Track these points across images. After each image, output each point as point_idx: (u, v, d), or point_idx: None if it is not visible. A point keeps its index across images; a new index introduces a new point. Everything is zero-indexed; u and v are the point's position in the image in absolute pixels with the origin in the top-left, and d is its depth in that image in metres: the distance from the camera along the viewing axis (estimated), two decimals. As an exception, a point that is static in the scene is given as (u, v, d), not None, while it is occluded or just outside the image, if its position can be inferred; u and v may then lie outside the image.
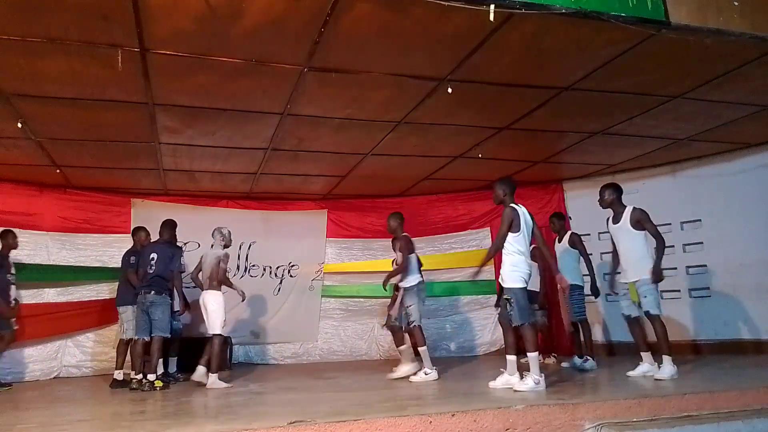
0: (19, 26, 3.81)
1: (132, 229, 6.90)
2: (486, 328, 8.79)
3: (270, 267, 8.70)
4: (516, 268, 4.76)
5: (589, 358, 6.24)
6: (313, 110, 5.45)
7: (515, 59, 4.54)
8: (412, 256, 6.01)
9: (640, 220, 5.23)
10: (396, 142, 6.42)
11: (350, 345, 8.80)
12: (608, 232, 5.58)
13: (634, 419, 3.67)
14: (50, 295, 7.46)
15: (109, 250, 7.58)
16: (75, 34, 3.91)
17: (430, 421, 3.35)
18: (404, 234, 6.05)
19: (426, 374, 5.61)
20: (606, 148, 7.00)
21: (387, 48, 4.26)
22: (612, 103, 5.54)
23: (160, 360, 6.11)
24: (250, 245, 8.61)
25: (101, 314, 7.36)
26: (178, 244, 6.78)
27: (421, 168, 7.63)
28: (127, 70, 4.29)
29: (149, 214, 7.17)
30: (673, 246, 7.66)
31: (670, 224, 7.69)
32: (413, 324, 5.82)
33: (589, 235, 8.32)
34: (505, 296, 4.78)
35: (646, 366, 5.22)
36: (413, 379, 5.61)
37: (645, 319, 5.28)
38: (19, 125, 5.36)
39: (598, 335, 8.15)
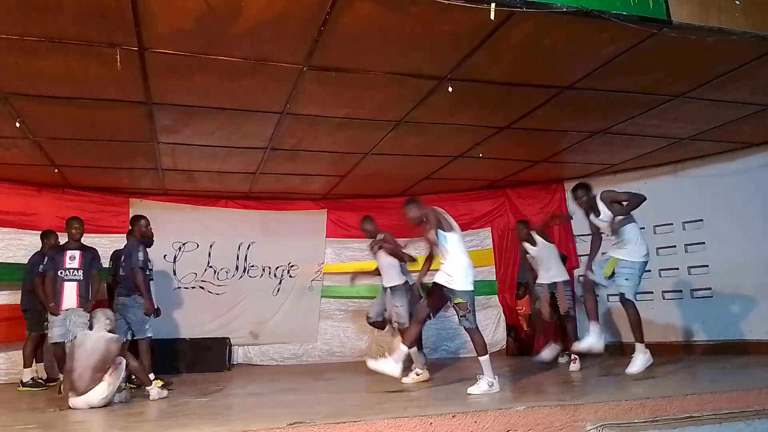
0: (17, 25, 3.78)
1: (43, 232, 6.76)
2: (487, 328, 8.74)
3: (269, 267, 8.67)
4: (469, 271, 4.71)
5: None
6: (313, 109, 5.42)
7: (516, 58, 4.52)
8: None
9: (613, 198, 5.21)
10: (396, 142, 6.40)
11: (350, 346, 8.78)
12: (592, 224, 5.51)
13: (636, 420, 3.65)
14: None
15: (107, 250, 7.54)
16: (73, 34, 3.89)
17: (431, 422, 3.33)
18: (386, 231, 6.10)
19: (417, 375, 5.49)
20: (607, 148, 6.98)
21: (387, 47, 4.24)
22: (613, 103, 5.52)
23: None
24: (249, 245, 8.59)
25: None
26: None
27: (421, 168, 7.61)
28: (126, 70, 4.26)
29: (148, 214, 7.10)
30: (675, 246, 7.67)
31: (671, 224, 7.69)
32: (402, 325, 5.81)
33: (590, 235, 8.30)
34: (459, 300, 4.60)
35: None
36: (404, 380, 5.42)
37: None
38: (17, 125, 5.34)
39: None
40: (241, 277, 8.55)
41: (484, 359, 4.58)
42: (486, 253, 8.91)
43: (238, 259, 8.54)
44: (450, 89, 4.86)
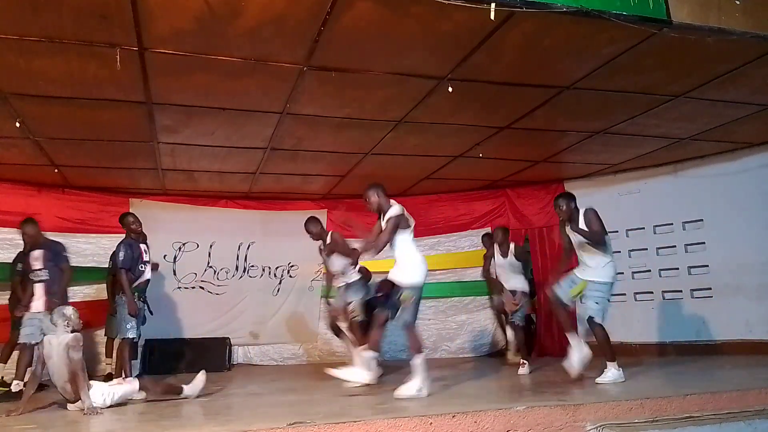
0: (17, 25, 3.78)
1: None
2: (487, 328, 8.78)
3: (269, 267, 8.68)
4: (422, 266, 4.69)
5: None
6: (313, 109, 5.43)
7: (516, 58, 4.51)
8: None
9: (591, 221, 5.09)
10: (396, 142, 6.40)
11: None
12: (566, 237, 5.31)
13: (636, 420, 3.65)
14: (49, 295, 7.43)
15: (107, 250, 7.55)
16: (73, 33, 3.89)
17: (431, 423, 3.33)
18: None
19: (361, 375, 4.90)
20: (607, 148, 6.97)
21: (387, 47, 4.24)
22: (613, 103, 5.52)
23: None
24: (249, 245, 8.59)
25: (100, 315, 7.32)
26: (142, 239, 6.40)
27: (421, 167, 7.61)
28: (126, 69, 4.26)
29: (148, 214, 7.15)
30: (675, 246, 7.67)
31: (671, 224, 7.70)
32: (356, 319, 5.84)
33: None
34: (405, 292, 4.54)
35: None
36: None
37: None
38: (18, 125, 5.34)
39: (587, 336, 8.14)
40: (241, 277, 8.55)
41: (418, 360, 4.48)
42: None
43: (238, 259, 8.54)
44: (450, 89, 4.86)
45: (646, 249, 7.86)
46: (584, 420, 3.58)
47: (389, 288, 4.73)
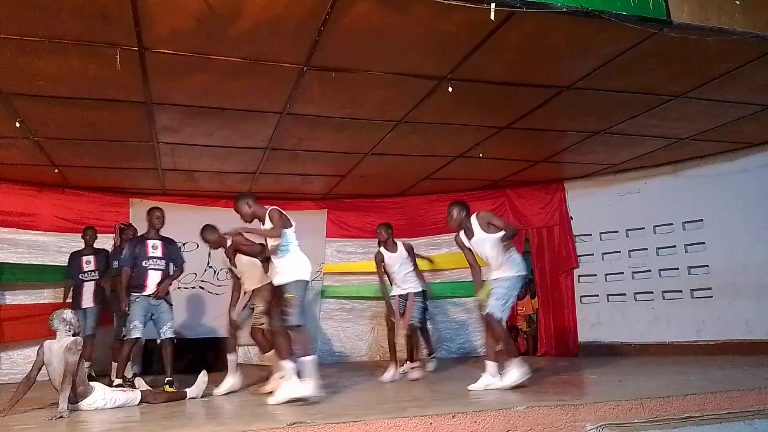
0: (18, 25, 3.79)
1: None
2: (486, 328, 8.78)
3: (269, 267, 8.66)
4: (303, 265, 4.51)
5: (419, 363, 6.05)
6: (313, 110, 5.43)
7: (516, 58, 4.52)
8: None
9: (489, 222, 4.92)
10: (396, 142, 6.40)
11: (350, 346, 8.78)
12: (469, 248, 5.04)
13: (636, 420, 3.65)
14: (48, 295, 7.43)
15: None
16: (73, 33, 3.90)
17: (431, 423, 3.32)
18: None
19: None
20: (607, 148, 6.98)
21: (387, 47, 4.24)
22: (613, 103, 5.52)
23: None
24: (249, 245, 8.57)
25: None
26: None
27: (421, 168, 7.61)
28: (126, 70, 4.27)
29: (148, 214, 7.16)
30: (675, 246, 7.68)
31: (671, 224, 7.70)
32: (261, 325, 5.70)
33: (590, 235, 8.34)
34: (289, 294, 4.37)
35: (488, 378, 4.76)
36: (216, 390, 5.07)
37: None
38: (18, 125, 5.35)
39: (587, 336, 8.20)
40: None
41: (309, 360, 4.34)
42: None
43: (238, 258, 8.53)
44: (450, 89, 4.86)
45: (646, 249, 7.86)
46: (584, 420, 3.57)
47: (279, 294, 4.54)
